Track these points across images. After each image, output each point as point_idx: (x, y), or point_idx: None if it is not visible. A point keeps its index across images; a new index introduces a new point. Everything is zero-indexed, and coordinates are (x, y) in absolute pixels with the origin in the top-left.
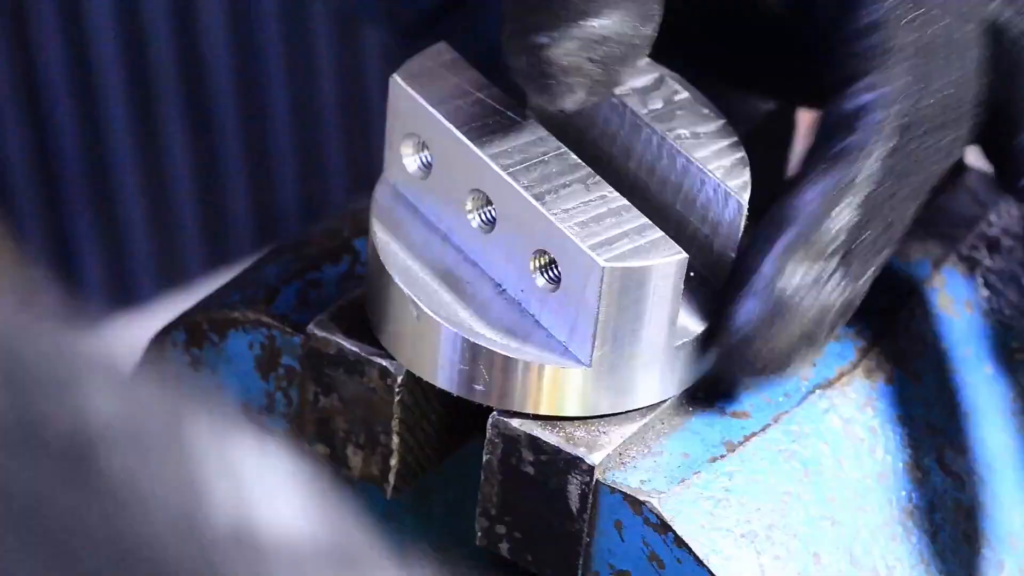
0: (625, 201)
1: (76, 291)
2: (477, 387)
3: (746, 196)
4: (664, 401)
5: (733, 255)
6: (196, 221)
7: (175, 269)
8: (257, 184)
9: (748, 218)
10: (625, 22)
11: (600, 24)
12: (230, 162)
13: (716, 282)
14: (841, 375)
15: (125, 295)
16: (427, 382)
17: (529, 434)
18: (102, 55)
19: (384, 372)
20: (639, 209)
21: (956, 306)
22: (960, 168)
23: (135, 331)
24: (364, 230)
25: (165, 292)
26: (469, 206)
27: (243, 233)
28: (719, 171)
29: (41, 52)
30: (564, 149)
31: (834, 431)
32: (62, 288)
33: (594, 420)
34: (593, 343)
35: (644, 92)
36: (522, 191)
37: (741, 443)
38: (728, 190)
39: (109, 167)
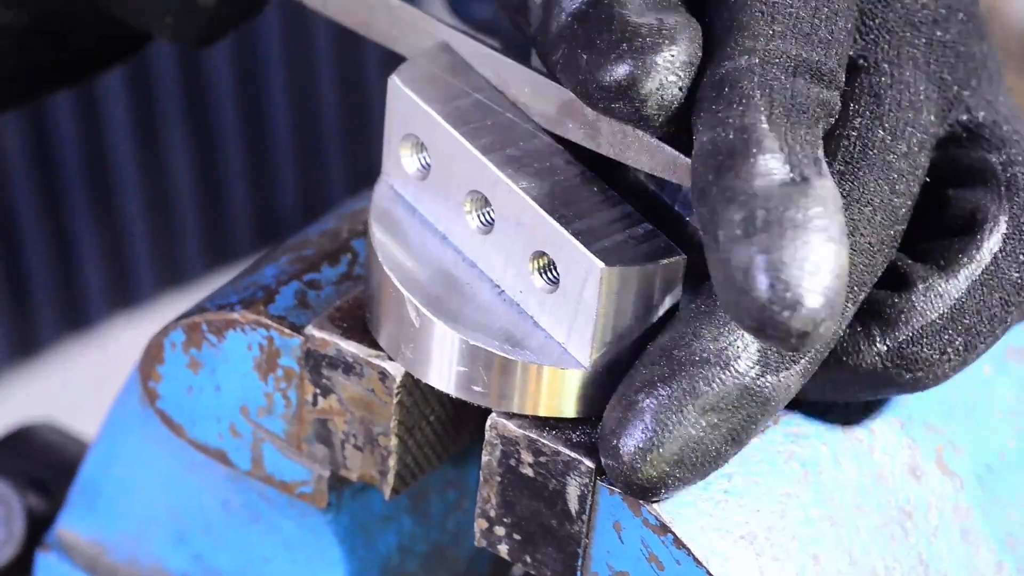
0: (624, 202)
1: (76, 291)
2: (475, 388)
3: None
4: None
5: None
6: (196, 221)
7: (175, 269)
8: (257, 184)
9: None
10: None
11: None
12: (230, 162)
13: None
14: None
15: (125, 295)
16: (425, 383)
17: (528, 436)
18: None
19: (383, 373)
20: (638, 210)
21: None
22: None
23: (135, 331)
24: (363, 231)
25: (165, 292)
26: (468, 207)
27: (243, 233)
28: None
29: None
30: (563, 150)
31: (833, 432)
32: (62, 289)
33: (593, 421)
34: (592, 344)
35: None
36: (521, 192)
37: None
38: None
39: (109, 167)
